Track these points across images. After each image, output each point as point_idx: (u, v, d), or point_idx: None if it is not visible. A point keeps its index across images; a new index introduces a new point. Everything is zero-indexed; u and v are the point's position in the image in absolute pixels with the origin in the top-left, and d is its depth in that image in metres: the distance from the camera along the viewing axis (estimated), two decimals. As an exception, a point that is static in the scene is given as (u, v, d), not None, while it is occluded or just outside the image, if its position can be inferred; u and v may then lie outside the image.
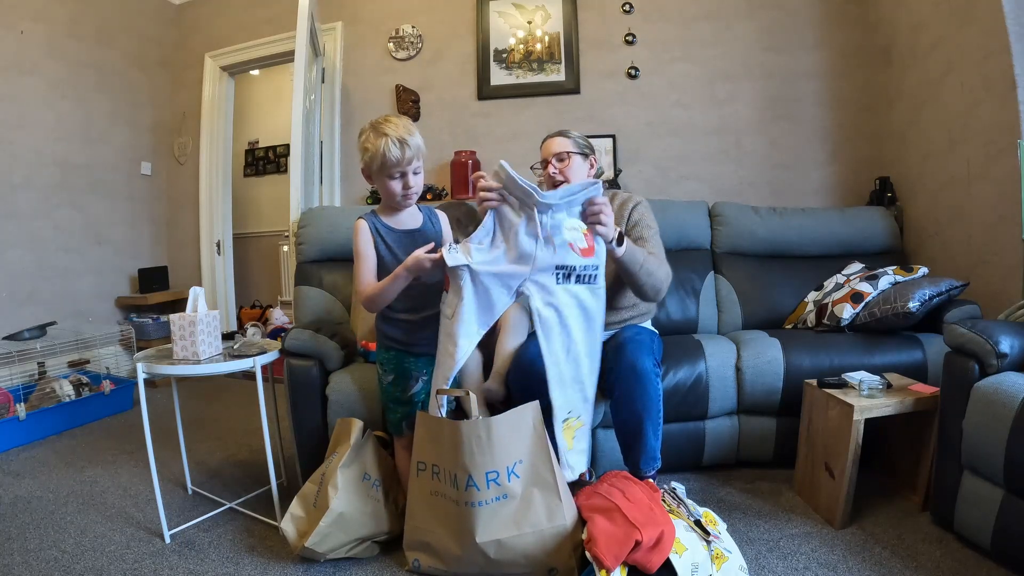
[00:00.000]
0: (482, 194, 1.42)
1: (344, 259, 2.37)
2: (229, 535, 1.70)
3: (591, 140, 1.93)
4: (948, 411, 1.54)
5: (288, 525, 1.53)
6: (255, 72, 4.55)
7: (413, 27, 3.51)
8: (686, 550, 1.30)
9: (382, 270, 1.52)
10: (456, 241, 1.44)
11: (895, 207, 2.78)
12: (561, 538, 1.38)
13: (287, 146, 4.38)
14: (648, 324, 1.95)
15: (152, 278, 3.86)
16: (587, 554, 1.27)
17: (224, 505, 1.88)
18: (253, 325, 2.03)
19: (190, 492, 2.02)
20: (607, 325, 1.80)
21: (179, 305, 3.64)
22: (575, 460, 1.49)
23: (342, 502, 1.49)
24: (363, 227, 1.51)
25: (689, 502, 1.54)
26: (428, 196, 3.26)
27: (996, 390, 1.38)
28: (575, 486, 1.51)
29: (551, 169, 1.78)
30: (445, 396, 1.44)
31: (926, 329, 2.03)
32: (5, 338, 2.96)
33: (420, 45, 3.51)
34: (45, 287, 3.33)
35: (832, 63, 3.08)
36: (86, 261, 3.58)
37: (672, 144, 3.26)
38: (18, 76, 3.19)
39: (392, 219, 1.56)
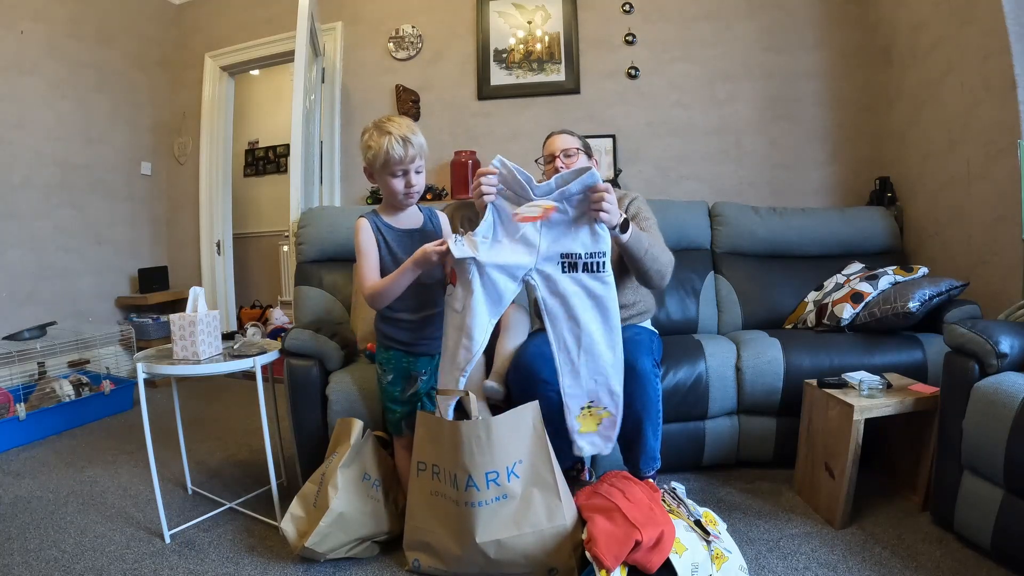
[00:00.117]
0: (483, 188, 1.41)
1: (344, 259, 2.37)
2: (229, 535, 1.70)
3: (590, 141, 1.93)
4: (948, 411, 1.54)
5: (288, 525, 1.53)
6: (255, 72, 4.55)
7: (413, 27, 3.51)
8: (686, 550, 1.30)
9: (382, 269, 1.53)
10: (461, 234, 1.44)
11: (895, 207, 2.78)
12: (561, 538, 1.38)
13: (287, 146, 4.37)
14: (648, 324, 1.95)
15: (152, 278, 3.86)
16: (587, 554, 1.27)
17: (224, 505, 1.89)
18: (253, 325, 2.03)
19: (190, 492, 2.02)
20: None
21: (179, 305, 3.64)
22: (591, 440, 1.48)
23: (342, 502, 1.49)
24: (365, 225, 1.51)
25: (689, 502, 1.54)
26: (428, 196, 3.26)
27: (996, 390, 1.38)
28: (575, 486, 1.51)
29: (558, 163, 1.78)
30: (459, 398, 1.44)
31: (926, 329, 2.03)
32: (5, 338, 2.96)
33: (420, 45, 3.51)
34: (45, 287, 3.33)
35: (832, 63, 3.08)
36: (86, 261, 3.58)
37: (672, 144, 3.26)
38: (18, 76, 3.19)
39: (393, 218, 1.56)
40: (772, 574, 1.42)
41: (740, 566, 1.37)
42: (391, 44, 3.53)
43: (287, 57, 3.42)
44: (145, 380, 1.63)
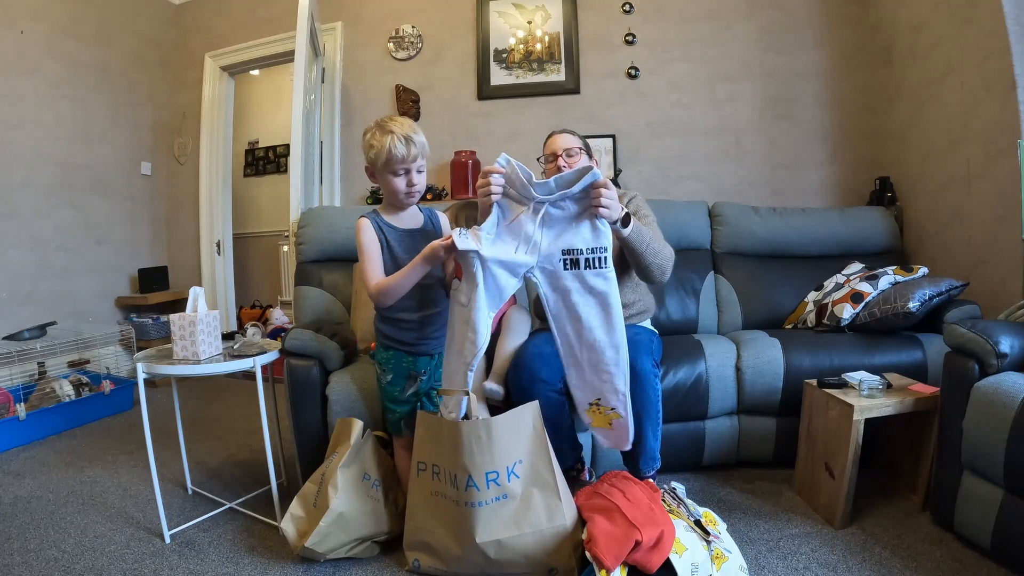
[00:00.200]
0: (491, 187, 1.40)
1: (344, 259, 2.37)
2: (229, 535, 1.70)
3: (590, 141, 1.93)
4: (948, 411, 1.54)
5: (288, 525, 1.53)
6: (255, 72, 4.55)
7: (413, 27, 3.51)
8: (686, 550, 1.30)
9: (383, 269, 1.52)
10: (465, 228, 1.43)
11: (895, 207, 2.78)
12: (561, 538, 1.38)
13: (287, 146, 4.37)
14: (648, 324, 1.95)
15: (152, 278, 3.86)
16: (587, 554, 1.27)
17: (224, 505, 1.88)
18: (253, 325, 2.03)
19: (190, 492, 2.02)
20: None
21: (179, 305, 3.64)
22: (605, 434, 1.51)
23: (342, 502, 1.49)
24: (367, 224, 1.51)
25: (689, 502, 1.54)
26: (428, 196, 3.26)
27: (996, 390, 1.38)
28: (575, 486, 1.51)
29: (560, 162, 1.77)
30: (465, 397, 1.44)
31: (926, 329, 2.03)
32: (5, 338, 2.96)
33: (420, 45, 3.51)
34: (45, 287, 3.33)
35: (832, 63, 3.08)
36: (86, 261, 3.58)
37: (672, 144, 3.26)
38: (18, 76, 3.19)
39: (394, 218, 1.56)
40: (772, 574, 1.42)
41: (740, 566, 1.37)
42: (391, 44, 3.53)
43: (287, 57, 3.42)
44: (145, 380, 1.63)
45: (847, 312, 2.09)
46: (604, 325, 1.43)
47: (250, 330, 1.98)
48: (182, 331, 1.69)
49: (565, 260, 1.42)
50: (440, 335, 1.60)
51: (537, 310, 2.01)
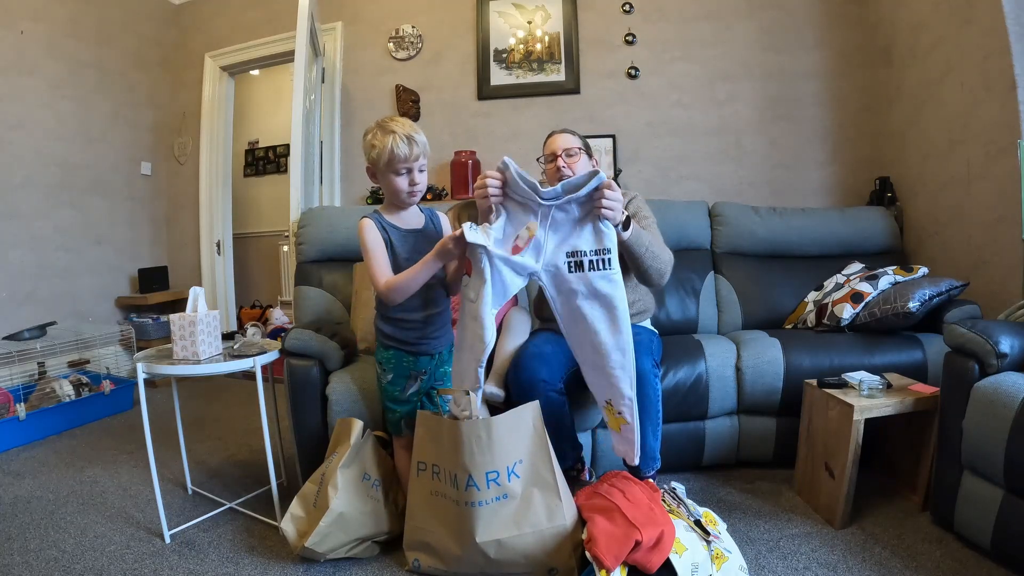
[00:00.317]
0: (488, 190, 1.40)
1: (344, 259, 2.37)
2: (229, 535, 1.70)
3: (590, 141, 1.93)
4: (948, 411, 1.54)
5: (288, 525, 1.53)
6: (255, 72, 4.55)
7: (413, 27, 3.51)
8: (686, 550, 1.30)
9: None
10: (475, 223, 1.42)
11: (895, 207, 2.78)
12: (561, 538, 1.38)
13: (287, 146, 4.37)
14: (648, 324, 1.95)
15: (152, 278, 3.86)
16: (587, 554, 1.27)
17: (224, 505, 1.88)
18: (253, 325, 2.03)
19: (190, 492, 2.02)
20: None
21: (179, 305, 3.64)
22: (617, 439, 1.51)
23: (342, 502, 1.49)
24: (370, 224, 1.51)
25: (689, 502, 1.54)
26: (428, 196, 3.26)
27: (996, 390, 1.38)
28: (575, 486, 1.51)
29: (560, 163, 1.77)
30: (476, 393, 1.44)
31: (926, 329, 2.03)
32: (5, 338, 2.96)
33: (420, 45, 3.51)
34: (45, 287, 3.33)
35: (832, 63, 3.08)
36: (86, 261, 3.58)
37: (672, 144, 3.26)
38: (18, 76, 3.19)
39: (396, 218, 1.56)
40: (772, 574, 1.42)
41: (740, 566, 1.37)
42: (391, 44, 3.53)
43: (287, 57, 3.42)
44: (145, 380, 1.63)
45: (847, 312, 2.09)
46: (610, 328, 1.41)
47: (250, 330, 1.98)
48: (182, 331, 1.69)
49: (570, 262, 1.41)
50: (440, 335, 1.60)
51: (538, 311, 2.01)
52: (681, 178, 3.26)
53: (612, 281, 1.41)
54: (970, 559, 1.43)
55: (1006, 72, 2.08)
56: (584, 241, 1.41)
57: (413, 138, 1.46)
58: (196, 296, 1.74)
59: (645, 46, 3.27)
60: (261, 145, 5.02)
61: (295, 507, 1.56)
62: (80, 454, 2.44)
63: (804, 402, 1.83)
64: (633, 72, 3.26)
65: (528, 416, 1.44)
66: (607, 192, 1.37)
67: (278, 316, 3.60)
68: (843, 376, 1.75)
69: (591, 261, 1.41)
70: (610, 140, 3.27)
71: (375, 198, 3.38)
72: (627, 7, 3.26)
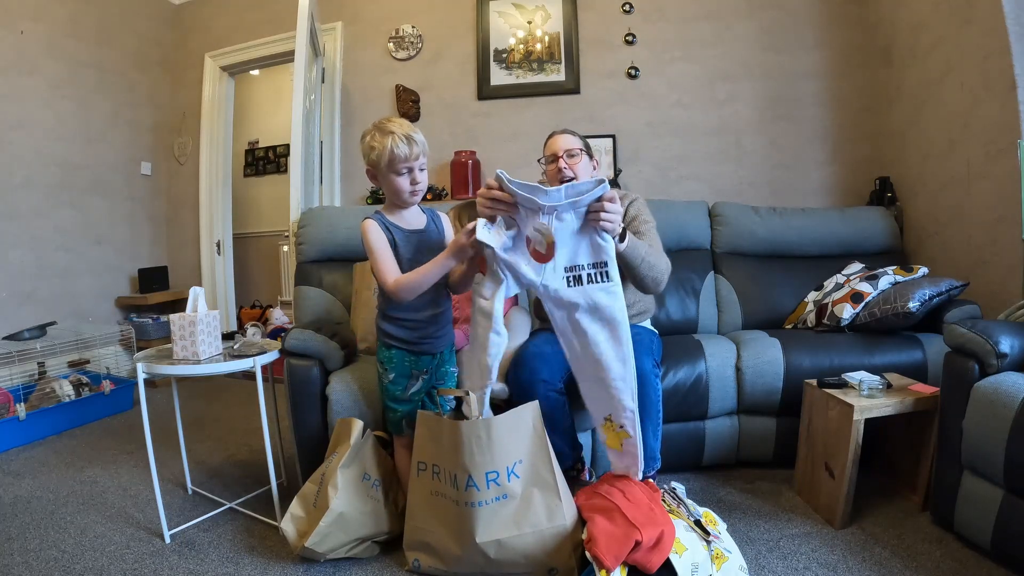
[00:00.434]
0: (490, 207, 1.38)
1: (344, 259, 2.37)
2: (229, 535, 1.70)
3: (590, 141, 1.93)
4: (948, 411, 1.54)
5: (288, 525, 1.53)
6: (255, 72, 4.55)
7: (413, 27, 3.51)
8: (686, 550, 1.30)
9: None
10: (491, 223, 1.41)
11: (895, 207, 2.78)
12: (561, 538, 1.38)
13: (287, 146, 4.37)
14: (648, 324, 1.95)
15: (152, 278, 3.86)
16: (587, 554, 1.27)
17: (224, 505, 1.88)
18: (253, 325, 2.03)
19: (190, 492, 2.02)
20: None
21: (179, 305, 3.64)
22: (618, 456, 1.49)
23: (342, 502, 1.49)
24: (373, 225, 1.51)
25: (689, 502, 1.54)
26: (428, 196, 3.26)
27: (996, 390, 1.38)
28: (575, 486, 1.51)
29: (561, 163, 1.77)
30: (486, 391, 1.43)
31: (926, 329, 2.03)
32: (5, 338, 2.96)
33: (420, 45, 3.51)
34: (45, 287, 3.33)
35: (832, 63, 3.08)
36: (86, 261, 3.58)
37: (672, 144, 3.26)
38: (18, 76, 3.19)
39: (398, 218, 1.55)
40: (772, 574, 1.42)
41: (740, 566, 1.37)
42: (391, 44, 3.53)
43: (287, 57, 3.42)
44: (145, 380, 1.63)
45: (847, 312, 2.09)
46: (610, 339, 1.40)
47: (250, 330, 1.98)
48: (182, 331, 1.69)
49: (568, 277, 1.40)
50: (442, 334, 1.61)
51: (537, 311, 2.01)
52: (681, 178, 3.26)
53: (611, 293, 1.40)
54: (970, 559, 1.43)
55: (1006, 72, 2.08)
56: (582, 255, 1.40)
57: (412, 137, 1.47)
58: (196, 296, 1.74)
59: (645, 46, 3.27)
60: (261, 145, 5.02)
61: (295, 507, 1.55)
62: (80, 454, 2.44)
63: (804, 402, 1.83)
64: (633, 72, 3.26)
65: (528, 416, 1.44)
66: (608, 205, 1.35)
67: (278, 316, 3.60)
68: (843, 376, 1.75)
69: (589, 275, 1.40)
70: (610, 140, 3.27)
71: (375, 198, 3.38)
72: (627, 7, 3.26)
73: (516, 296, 1.93)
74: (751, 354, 1.97)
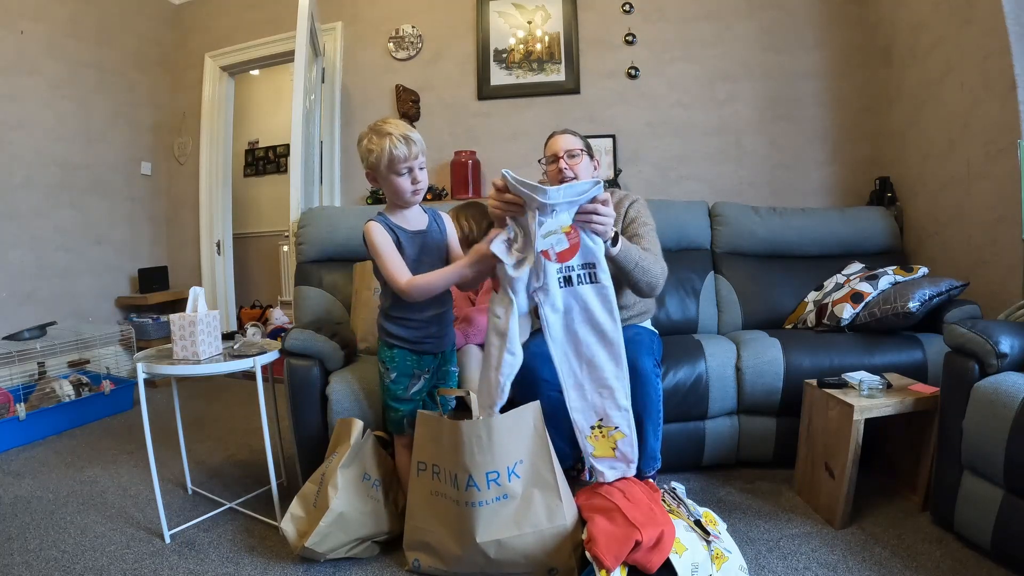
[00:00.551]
0: (498, 204, 1.38)
1: (344, 259, 2.37)
2: (229, 535, 1.70)
3: (590, 141, 1.93)
4: (948, 411, 1.54)
5: (288, 525, 1.53)
6: (255, 72, 4.55)
7: (413, 27, 3.51)
8: (686, 550, 1.30)
9: None
10: (511, 239, 1.39)
11: (895, 207, 2.78)
12: (561, 538, 1.38)
13: (287, 146, 4.38)
14: (648, 324, 1.95)
15: (152, 278, 3.86)
16: (587, 554, 1.27)
17: (224, 505, 1.88)
18: (253, 325, 2.03)
19: (190, 492, 2.02)
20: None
21: (179, 305, 3.64)
22: (611, 464, 1.46)
23: (342, 502, 1.49)
24: (377, 227, 1.50)
25: (689, 502, 1.54)
26: (428, 196, 3.26)
27: (996, 390, 1.38)
28: (575, 486, 1.51)
29: (562, 164, 1.77)
30: (498, 406, 1.42)
31: (926, 329, 2.03)
32: (5, 338, 2.96)
33: (420, 45, 3.51)
34: (45, 287, 3.33)
35: (832, 63, 3.08)
36: (86, 261, 3.58)
37: (672, 144, 3.26)
38: (18, 76, 3.19)
39: (400, 219, 1.55)
40: (772, 574, 1.42)
41: (740, 566, 1.37)
42: (391, 44, 3.53)
43: (287, 57, 3.42)
44: (145, 380, 1.63)
45: (847, 312, 2.09)
46: (601, 340, 1.41)
47: (250, 330, 1.98)
48: (182, 331, 1.69)
49: (559, 278, 1.40)
50: (444, 334, 1.61)
51: (537, 312, 2.01)
52: (681, 178, 3.26)
53: (602, 295, 1.40)
54: (970, 559, 1.43)
55: (1006, 72, 2.08)
56: (574, 256, 1.39)
57: (409, 137, 1.46)
58: (196, 296, 1.74)
59: (645, 46, 3.27)
60: (261, 145, 5.03)
61: (295, 507, 1.56)
62: (80, 454, 2.44)
63: (804, 402, 1.83)
64: (633, 72, 3.26)
65: (529, 416, 1.44)
66: (601, 208, 1.36)
67: (278, 316, 3.60)
68: (843, 376, 1.75)
69: (579, 275, 1.40)
70: (610, 140, 3.27)
71: (375, 198, 3.38)
72: (627, 7, 3.26)
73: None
74: (751, 354, 1.97)
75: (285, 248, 4.27)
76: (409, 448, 1.56)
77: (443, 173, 3.39)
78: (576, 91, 3.33)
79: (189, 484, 2.04)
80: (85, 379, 3.01)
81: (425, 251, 1.53)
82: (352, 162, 3.57)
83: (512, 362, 1.39)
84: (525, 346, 1.72)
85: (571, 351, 1.43)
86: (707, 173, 3.23)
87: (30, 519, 1.84)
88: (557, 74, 3.35)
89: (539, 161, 1.89)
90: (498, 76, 3.40)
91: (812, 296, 2.36)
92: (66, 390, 2.84)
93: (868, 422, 1.59)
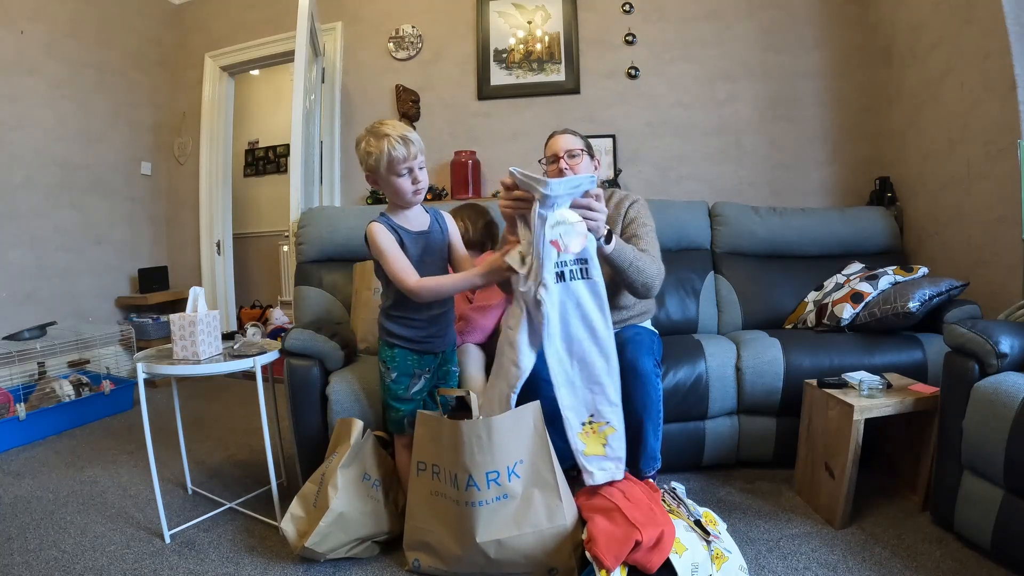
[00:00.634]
0: (509, 203, 1.39)
1: (344, 259, 2.37)
2: (229, 535, 1.70)
3: (591, 141, 1.93)
4: (948, 411, 1.54)
5: (288, 525, 1.53)
6: (255, 72, 4.55)
7: (413, 27, 3.51)
8: (686, 550, 1.30)
9: None
10: (525, 252, 1.39)
11: (895, 207, 2.78)
12: (561, 538, 1.38)
13: (287, 146, 4.38)
14: (648, 324, 1.95)
15: (152, 278, 3.86)
16: (587, 554, 1.27)
17: (224, 505, 1.88)
18: (253, 325, 2.03)
19: (190, 492, 2.02)
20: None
21: (179, 305, 3.64)
22: (601, 465, 1.45)
23: (342, 502, 1.49)
24: (381, 228, 1.49)
25: (689, 502, 1.54)
26: (428, 196, 3.26)
27: (996, 390, 1.38)
28: (575, 486, 1.51)
29: (562, 164, 1.77)
30: (512, 393, 1.43)
31: (926, 329, 2.03)
32: (5, 338, 2.96)
33: (420, 45, 3.51)
34: (45, 287, 3.33)
35: (832, 63, 3.08)
36: (86, 261, 3.58)
37: (672, 144, 3.26)
38: (18, 76, 3.19)
39: (403, 219, 1.55)
40: (772, 574, 1.42)
41: (740, 566, 1.37)
42: (391, 44, 3.53)
43: (287, 57, 3.42)
44: (145, 380, 1.63)
45: (847, 312, 2.09)
46: (591, 337, 1.41)
47: (250, 330, 1.98)
48: (182, 331, 1.69)
49: (555, 273, 1.39)
50: (445, 333, 1.61)
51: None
52: (681, 178, 3.26)
53: (594, 291, 1.40)
54: (970, 559, 1.43)
55: (1006, 72, 2.08)
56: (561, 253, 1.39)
57: (407, 137, 1.46)
58: (196, 296, 1.74)
59: (645, 46, 3.27)
60: (261, 145, 5.03)
61: (295, 507, 1.56)
62: (80, 454, 2.44)
63: (804, 402, 1.83)
64: (633, 72, 3.27)
65: (529, 416, 1.44)
66: (593, 203, 1.37)
67: (278, 316, 3.60)
68: (843, 376, 1.75)
69: (571, 271, 1.40)
70: (610, 140, 3.27)
71: (375, 198, 3.38)
72: (627, 7, 3.26)
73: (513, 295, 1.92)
74: (751, 354, 1.97)
75: (285, 248, 4.27)
76: (409, 448, 1.56)
77: (443, 173, 3.39)
78: (576, 91, 3.33)
79: (189, 484, 2.04)
80: (85, 379, 3.01)
81: (428, 252, 1.53)
82: (352, 162, 3.57)
83: (517, 374, 1.40)
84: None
85: (562, 348, 1.43)
86: (707, 173, 3.23)
87: (30, 519, 1.84)
88: (557, 74, 3.35)
89: (539, 161, 1.89)
90: (498, 76, 3.40)
91: (812, 296, 2.36)
92: (66, 390, 2.84)
93: (868, 422, 1.59)
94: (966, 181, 2.35)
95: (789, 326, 2.36)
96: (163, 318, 3.57)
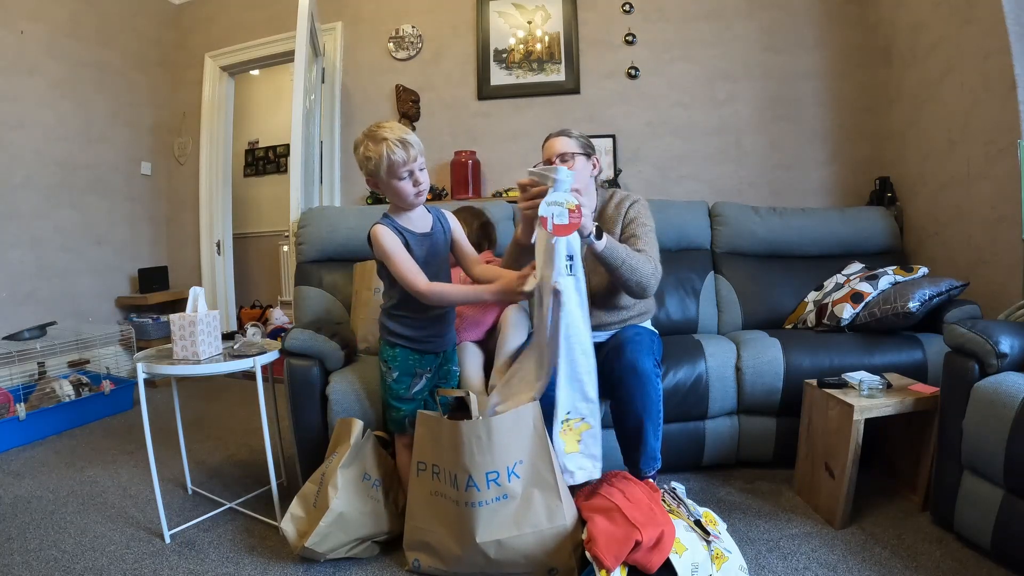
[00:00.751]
0: (529, 203, 1.41)
1: (344, 259, 2.37)
2: (229, 535, 1.70)
3: (591, 140, 1.92)
4: (948, 411, 1.54)
5: (288, 525, 1.53)
6: (255, 72, 4.55)
7: (413, 27, 3.51)
8: (686, 550, 1.30)
9: None
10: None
11: (895, 207, 2.78)
12: (561, 538, 1.38)
13: (287, 146, 4.38)
14: (648, 324, 1.95)
15: (152, 278, 3.86)
16: (587, 554, 1.27)
17: (224, 505, 1.88)
18: (253, 325, 2.03)
19: (190, 492, 2.02)
20: (607, 326, 1.80)
21: (179, 305, 3.64)
22: (579, 463, 1.45)
23: (342, 502, 1.49)
24: (386, 230, 1.48)
25: (689, 502, 1.54)
26: (428, 196, 3.26)
27: (996, 390, 1.38)
28: (575, 486, 1.51)
29: None
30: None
31: (926, 329, 2.03)
32: (5, 338, 2.96)
33: (420, 45, 3.51)
34: (45, 287, 3.33)
35: (832, 63, 3.08)
36: (86, 261, 3.58)
37: (672, 144, 3.26)
38: (18, 76, 3.19)
39: (406, 221, 1.54)
40: (772, 574, 1.42)
41: (740, 566, 1.37)
42: (391, 44, 3.53)
43: (287, 57, 3.42)
44: (145, 380, 1.63)
45: (847, 312, 2.09)
46: (574, 332, 1.41)
47: (250, 330, 1.98)
48: (182, 331, 1.69)
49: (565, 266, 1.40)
50: (446, 333, 1.61)
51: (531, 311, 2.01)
52: (681, 178, 3.26)
53: (578, 288, 1.40)
54: (970, 559, 1.43)
55: (1006, 72, 2.08)
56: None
57: (406, 140, 1.45)
58: (196, 296, 1.74)
59: (645, 46, 3.27)
60: (261, 145, 5.03)
61: (295, 507, 1.55)
62: (80, 454, 2.44)
63: (804, 402, 1.83)
64: (633, 72, 3.27)
65: (528, 416, 1.44)
66: (580, 198, 1.39)
67: (278, 316, 3.60)
68: (843, 376, 1.75)
69: (559, 267, 1.39)
70: (610, 140, 3.27)
71: (375, 198, 3.38)
72: (627, 7, 3.26)
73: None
74: (751, 354, 1.97)
75: (285, 248, 4.28)
76: (410, 448, 1.56)
77: (443, 173, 3.39)
78: (576, 91, 3.33)
79: (189, 484, 2.04)
80: (85, 379, 3.01)
81: (432, 253, 1.53)
82: (352, 162, 3.51)
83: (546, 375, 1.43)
84: (525, 345, 1.73)
85: (546, 344, 1.44)
86: (707, 173, 3.23)
87: (30, 519, 1.84)
88: (557, 74, 3.35)
89: (535, 167, 1.90)
90: (498, 76, 3.40)
91: (812, 296, 2.36)
92: (66, 390, 2.84)
93: (868, 422, 1.59)
94: (966, 181, 2.35)
95: (789, 326, 2.36)
96: (163, 318, 3.57)
